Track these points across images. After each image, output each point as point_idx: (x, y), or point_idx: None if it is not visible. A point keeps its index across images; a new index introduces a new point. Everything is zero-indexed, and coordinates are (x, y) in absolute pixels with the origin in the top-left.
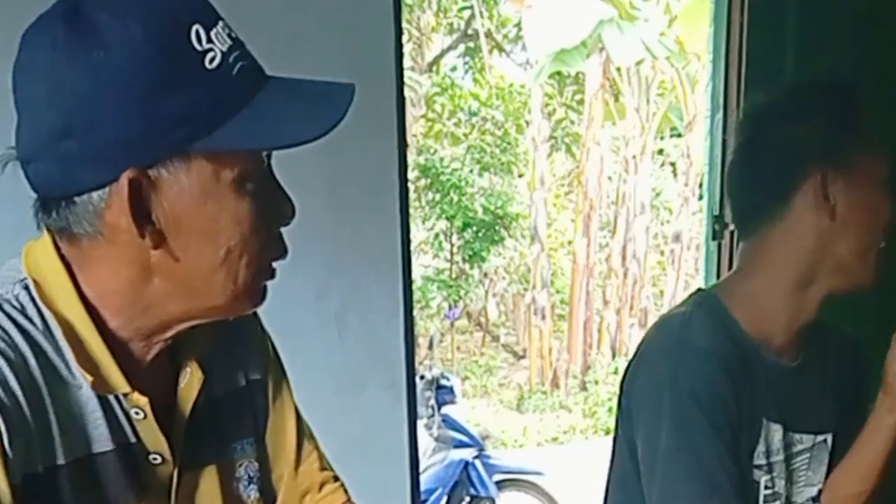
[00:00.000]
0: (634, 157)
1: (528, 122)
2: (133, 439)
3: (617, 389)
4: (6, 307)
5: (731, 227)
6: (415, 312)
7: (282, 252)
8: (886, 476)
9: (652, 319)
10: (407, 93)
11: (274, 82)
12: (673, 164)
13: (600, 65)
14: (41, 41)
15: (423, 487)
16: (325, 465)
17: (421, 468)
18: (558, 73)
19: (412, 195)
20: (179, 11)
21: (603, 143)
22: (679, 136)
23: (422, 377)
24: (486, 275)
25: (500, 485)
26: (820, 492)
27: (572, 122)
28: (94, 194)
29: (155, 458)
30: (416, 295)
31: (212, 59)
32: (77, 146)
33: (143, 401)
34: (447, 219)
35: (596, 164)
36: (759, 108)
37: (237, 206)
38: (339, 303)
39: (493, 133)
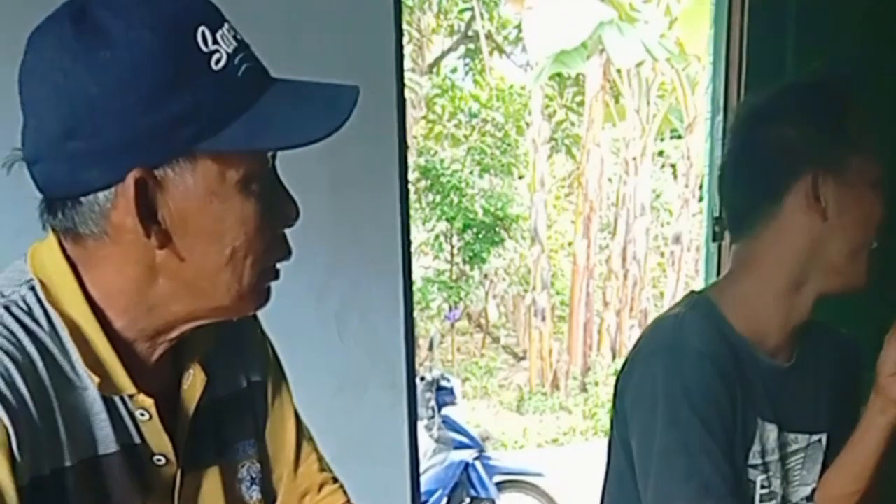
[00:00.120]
0: (635, 158)
1: (528, 124)
2: (138, 440)
3: None
4: (13, 309)
5: None
6: (415, 314)
7: (286, 253)
8: (879, 476)
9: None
10: (407, 94)
11: (279, 84)
12: (673, 166)
13: (600, 66)
14: (48, 42)
15: (423, 488)
16: (324, 467)
17: (421, 469)
18: (559, 74)
19: (412, 196)
20: (185, 13)
21: (603, 144)
22: (679, 137)
23: (422, 378)
24: (486, 276)
25: (500, 486)
26: (814, 491)
27: (572, 124)
28: (100, 194)
29: (159, 460)
30: (417, 296)
31: (217, 61)
32: (83, 146)
33: (149, 402)
34: (447, 220)
35: (596, 166)
36: (750, 110)
37: (242, 206)
38: (340, 303)
39: (494, 134)
